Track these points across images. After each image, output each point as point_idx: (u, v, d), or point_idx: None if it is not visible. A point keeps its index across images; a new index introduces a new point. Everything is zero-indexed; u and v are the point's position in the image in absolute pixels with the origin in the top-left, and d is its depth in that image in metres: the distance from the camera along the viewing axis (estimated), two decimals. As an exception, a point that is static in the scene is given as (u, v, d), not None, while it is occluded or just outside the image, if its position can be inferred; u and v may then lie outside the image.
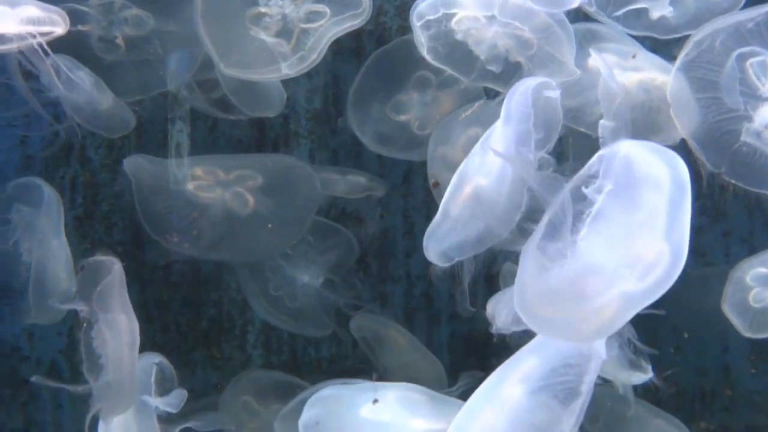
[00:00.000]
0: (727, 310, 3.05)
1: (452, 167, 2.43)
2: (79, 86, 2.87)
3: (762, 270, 3.02)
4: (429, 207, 2.46)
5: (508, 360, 2.22)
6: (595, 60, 2.21)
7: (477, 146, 2.30)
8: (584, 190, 1.98)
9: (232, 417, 3.19)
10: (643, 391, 3.12)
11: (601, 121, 2.23)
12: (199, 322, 3.63)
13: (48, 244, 3.15)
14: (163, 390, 2.73)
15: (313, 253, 3.39)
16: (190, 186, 3.03)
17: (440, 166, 2.85)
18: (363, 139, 3.25)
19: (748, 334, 3.06)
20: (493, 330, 2.40)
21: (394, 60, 3.12)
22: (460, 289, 2.46)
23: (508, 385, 2.12)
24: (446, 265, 2.34)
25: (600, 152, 2.04)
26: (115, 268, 2.69)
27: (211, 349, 3.63)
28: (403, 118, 3.15)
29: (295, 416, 2.80)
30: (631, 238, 1.92)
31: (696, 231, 3.23)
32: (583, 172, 2.02)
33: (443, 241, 2.32)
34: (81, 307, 2.68)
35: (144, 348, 3.55)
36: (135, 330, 2.70)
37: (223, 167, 3.10)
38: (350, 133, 3.27)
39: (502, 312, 2.32)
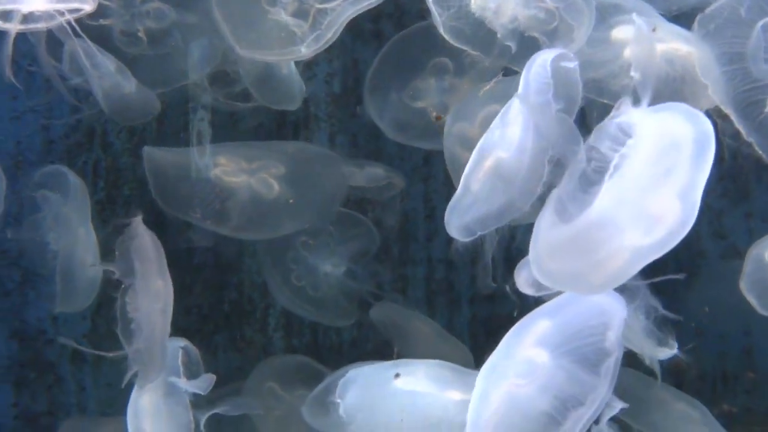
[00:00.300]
0: (745, 288, 3.02)
1: (469, 144, 2.43)
2: (102, 71, 2.88)
3: None
4: (450, 190, 2.45)
5: (516, 326, 2.22)
6: (637, 21, 2.17)
7: (496, 120, 2.29)
8: (602, 145, 1.99)
9: (258, 403, 3.20)
10: (665, 374, 3.13)
11: (631, 73, 2.21)
12: (221, 305, 3.65)
13: (75, 232, 3.17)
14: (190, 374, 2.74)
15: (335, 243, 3.39)
16: (216, 171, 3.04)
17: (457, 142, 2.83)
18: (381, 126, 3.25)
19: (766, 313, 3.04)
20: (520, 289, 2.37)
21: (411, 46, 3.11)
22: (482, 264, 2.45)
23: (526, 350, 2.12)
24: (468, 239, 2.33)
25: (620, 106, 2.04)
26: (149, 234, 2.70)
27: (233, 332, 3.66)
28: (420, 104, 3.14)
29: (321, 401, 2.81)
30: (644, 192, 1.92)
31: (717, 213, 3.24)
32: (603, 127, 2.03)
33: (465, 215, 2.31)
34: (116, 270, 2.70)
35: (166, 332, 3.60)
36: (168, 295, 2.71)
37: (246, 157, 3.10)
38: (369, 117, 3.27)
39: (522, 274, 2.31)
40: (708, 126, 1.98)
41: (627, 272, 1.96)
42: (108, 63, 2.92)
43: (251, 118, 3.50)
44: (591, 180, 2.00)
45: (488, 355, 3.29)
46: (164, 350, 2.71)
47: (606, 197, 1.95)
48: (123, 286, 2.69)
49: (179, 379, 2.69)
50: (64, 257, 3.17)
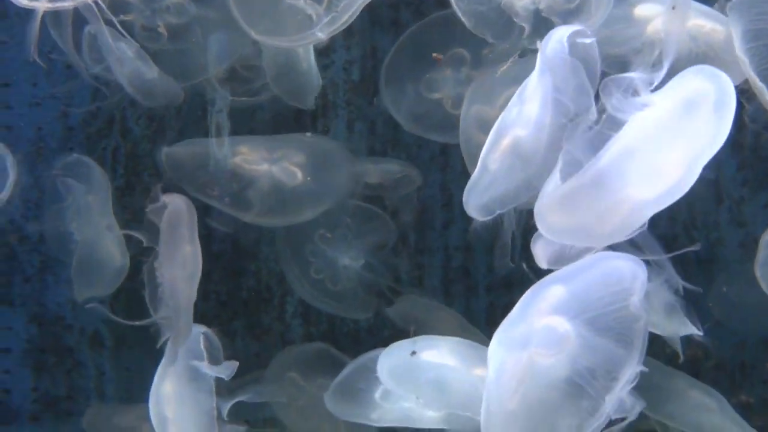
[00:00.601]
0: (760, 275, 3.01)
1: (486, 126, 2.42)
2: (122, 55, 2.90)
3: None
4: (467, 178, 2.45)
5: (530, 294, 2.12)
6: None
7: (514, 98, 2.28)
8: (616, 100, 1.98)
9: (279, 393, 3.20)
10: (682, 365, 3.12)
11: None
12: (239, 292, 3.66)
13: (98, 221, 3.19)
14: (211, 360, 2.74)
15: (352, 236, 3.40)
16: (237, 160, 3.04)
17: (473, 125, 2.83)
18: (397, 117, 3.25)
19: None
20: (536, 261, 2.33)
21: (428, 37, 3.10)
22: (500, 244, 2.45)
23: (545, 319, 2.03)
24: (487, 218, 2.32)
25: (638, 65, 2.03)
26: (180, 201, 2.73)
27: (251, 319, 3.67)
28: (436, 96, 3.13)
29: (345, 388, 2.81)
30: (656, 148, 1.91)
31: (737, 202, 3.22)
32: (617, 82, 2.01)
33: (483, 194, 2.31)
34: (143, 237, 2.72)
35: (185, 317, 3.61)
36: (197, 262, 2.73)
37: (268, 147, 3.11)
38: (386, 108, 3.27)
39: (538, 245, 2.28)
40: (729, 85, 1.96)
41: (626, 226, 1.96)
42: (126, 48, 2.94)
43: (269, 108, 3.51)
44: (602, 135, 1.99)
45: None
46: (190, 318, 2.72)
47: (616, 148, 1.93)
48: (154, 252, 2.71)
49: (202, 363, 2.69)
50: (87, 247, 3.19)
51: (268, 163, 3.08)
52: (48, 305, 3.60)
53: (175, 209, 2.70)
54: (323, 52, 3.50)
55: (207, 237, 3.43)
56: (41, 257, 3.58)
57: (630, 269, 2.02)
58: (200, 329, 2.80)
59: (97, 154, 3.60)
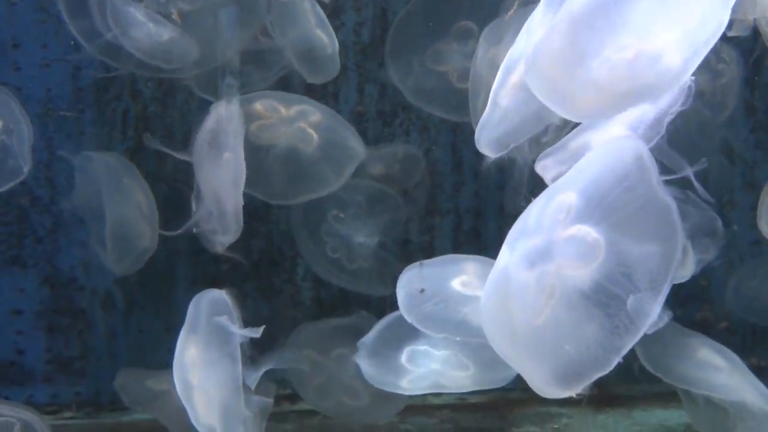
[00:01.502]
0: (765, 229, 2.98)
1: (496, 67, 2.39)
2: (134, 20, 2.89)
3: None
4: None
5: (540, 206, 1.93)
6: None
7: (521, 31, 2.25)
8: None
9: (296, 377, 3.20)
10: (692, 328, 3.12)
11: None
12: (250, 254, 3.67)
13: (133, 199, 3.22)
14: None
15: (365, 215, 3.39)
16: (253, 127, 3.02)
17: (488, 67, 2.79)
18: (402, 89, 3.23)
19: None
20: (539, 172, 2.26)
21: (436, 8, 3.07)
22: (512, 183, 2.41)
23: (566, 230, 1.84)
24: (499, 154, 2.29)
25: None
26: (231, 109, 2.73)
27: (261, 281, 3.68)
28: (442, 68, 3.10)
29: (371, 355, 2.81)
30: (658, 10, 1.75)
31: (750, 165, 3.20)
32: None
33: (496, 128, 2.28)
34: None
35: (196, 279, 3.63)
36: (240, 170, 2.73)
37: (284, 102, 3.08)
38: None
39: (541, 162, 2.24)
40: None
41: (640, 82, 1.79)
42: (136, 12, 2.93)
43: (279, 70, 3.50)
44: None
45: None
46: (239, 219, 2.73)
47: None
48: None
49: (230, 323, 2.59)
50: (120, 223, 3.20)
51: (285, 126, 3.05)
52: (60, 267, 3.61)
53: (224, 114, 2.70)
54: (333, 14, 3.46)
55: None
56: (53, 219, 3.58)
57: (631, 151, 1.83)
58: (219, 294, 2.76)
59: (107, 115, 3.60)
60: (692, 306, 3.67)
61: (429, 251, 3.68)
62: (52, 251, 3.60)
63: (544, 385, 1.86)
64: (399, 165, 3.44)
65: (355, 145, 3.10)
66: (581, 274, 1.79)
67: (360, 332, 3.06)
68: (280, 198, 3.18)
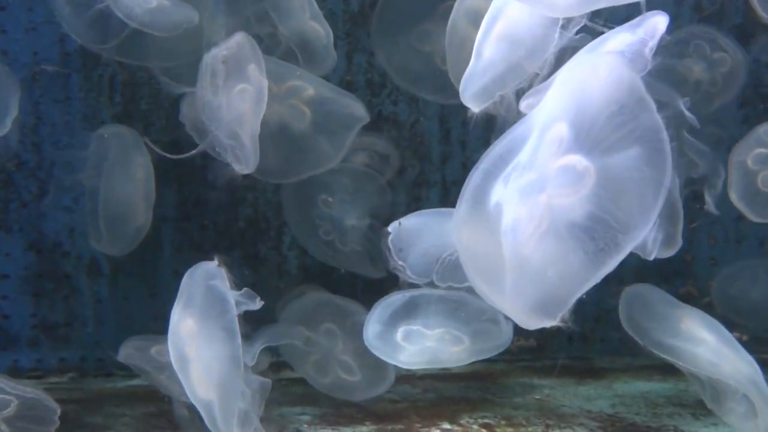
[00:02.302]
0: (735, 198, 2.97)
1: (476, 20, 2.39)
2: None
3: (763, 150, 2.96)
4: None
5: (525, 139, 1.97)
6: None
7: None
8: None
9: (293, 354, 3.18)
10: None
11: None
12: (236, 222, 3.67)
13: (131, 173, 3.21)
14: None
15: (352, 198, 3.38)
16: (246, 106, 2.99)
17: (464, 17, 2.79)
18: (389, 70, 3.21)
19: (759, 220, 3.02)
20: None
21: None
22: (496, 132, 2.40)
23: (557, 161, 1.87)
24: (484, 106, 2.29)
25: None
26: (243, 38, 2.71)
27: (247, 249, 3.68)
28: (427, 48, 3.09)
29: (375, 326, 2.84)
30: None
31: (737, 140, 3.20)
32: None
33: (481, 78, 2.28)
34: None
35: (182, 246, 3.63)
36: (262, 100, 2.72)
37: (275, 78, 3.04)
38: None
39: (526, 104, 2.24)
40: None
41: None
42: None
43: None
44: None
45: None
46: (257, 149, 2.70)
47: None
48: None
49: (229, 292, 2.52)
50: (115, 199, 3.19)
51: (277, 103, 3.02)
52: (46, 232, 3.60)
53: (239, 45, 2.68)
54: (323, -18, 3.46)
55: (203, 167, 3.43)
56: (38, 183, 3.57)
57: (617, 71, 1.83)
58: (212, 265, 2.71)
59: (93, 81, 3.57)
60: (676, 280, 3.70)
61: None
62: (37, 216, 3.59)
63: (525, 314, 1.91)
64: (377, 157, 3.43)
65: (354, 111, 3.06)
66: (571, 201, 1.82)
67: (340, 307, 3.08)
68: (280, 177, 3.15)
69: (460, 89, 2.34)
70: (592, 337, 3.73)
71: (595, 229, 1.80)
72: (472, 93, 2.32)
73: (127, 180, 3.21)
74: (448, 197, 3.70)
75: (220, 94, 2.71)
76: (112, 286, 3.63)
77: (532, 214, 1.87)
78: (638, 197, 1.78)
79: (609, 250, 1.79)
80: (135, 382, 3.42)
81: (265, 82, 2.73)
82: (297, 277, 3.69)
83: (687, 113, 2.15)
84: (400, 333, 2.80)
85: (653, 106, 1.78)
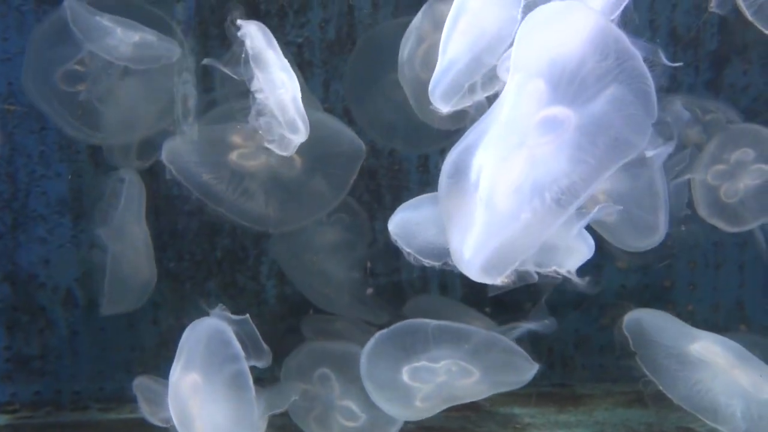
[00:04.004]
0: (705, 215, 3.04)
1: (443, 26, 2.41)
2: (102, 27, 2.88)
3: (720, 167, 3.06)
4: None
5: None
6: None
7: None
8: None
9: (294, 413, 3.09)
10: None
11: None
12: (213, 252, 3.64)
13: (128, 232, 3.19)
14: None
15: (340, 252, 3.40)
16: (233, 156, 2.98)
17: (431, 23, 2.79)
18: (371, 134, 3.23)
19: (735, 230, 3.07)
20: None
21: (386, 41, 3.05)
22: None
23: (539, 114, 1.90)
24: (452, 102, 2.28)
25: None
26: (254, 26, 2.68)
27: (225, 278, 3.66)
28: (399, 97, 3.09)
29: (375, 385, 2.81)
30: None
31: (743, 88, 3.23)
32: None
33: (447, 74, 2.28)
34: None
35: (159, 276, 3.59)
36: (292, 74, 2.70)
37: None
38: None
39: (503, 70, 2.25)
40: None
41: None
42: (102, 20, 2.93)
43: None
44: None
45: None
46: (305, 117, 2.68)
47: None
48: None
49: (238, 345, 2.46)
50: (115, 259, 3.17)
51: (265, 153, 3.00)
52: (21, 264, 3.57)
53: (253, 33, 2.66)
54: (300, 11, 3.45)
55: (179, 197, 3.41)
56: (13, 215, 3.54)
57: (586, 18, 1.85)
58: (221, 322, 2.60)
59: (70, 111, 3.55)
60: (656, 305, 3.69)
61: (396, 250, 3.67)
62: (12, 248, 3.55)
63: (479, 267, 1.97)
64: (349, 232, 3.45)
65: (347, 148, 3.05)
66: (550, 149, 1.85)
67: (332, 350, 3.04)
68: (279, 226, 3.10)
69: (429, 91, 2.34)
70: (572, 364, 3.72)
71: (573, 175, 1.84)
72: (441, 91, 2.31)
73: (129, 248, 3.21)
74: (427, 224, 3.69)
75: (260, 83, 2.68)
76: (88, 318, 3.59)
77: (511, 170, 1.90)
78: (621, 137, 1.82)
79: (576, 196, 1.84)
80: (111, 415, 3.39)
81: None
82: (275, 307, 3.67)
83: (665, 60, 2.15)
84: (406, 374, 2.77)
85: (637, 53, 1.82)
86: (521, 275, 2.22)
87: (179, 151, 2.95)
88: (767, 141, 3.06)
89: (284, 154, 2.73)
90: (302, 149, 2.97)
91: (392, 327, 2.77)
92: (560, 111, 1.86)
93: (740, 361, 2.65)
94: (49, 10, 3.43)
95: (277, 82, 2.67)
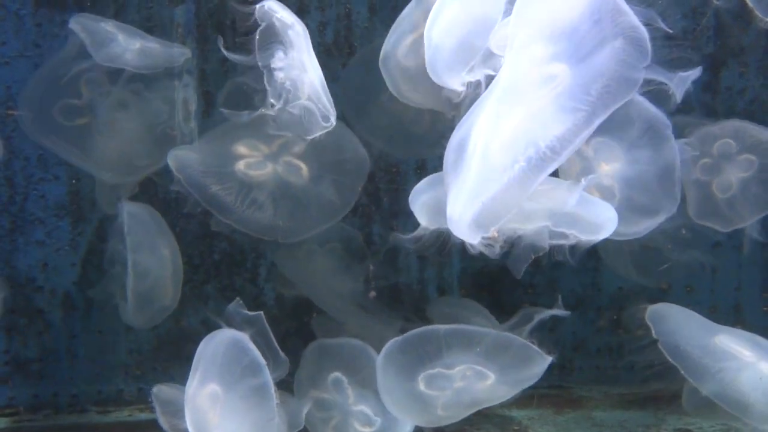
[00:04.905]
0: (697, 217, 3.07)
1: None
2: (106, 33, 2.90)
3: (705, 161, 3.08)
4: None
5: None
6: None
7: None
8: None
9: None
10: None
11: None
12: (211, 255, 3.64)
13: (158, 253, 3.22)
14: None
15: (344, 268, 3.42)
16: (241, 165, 2.98)
17: (423, 13, 2.80)
18: (360, 130, 3.23)
19: (727, 230, 3.07)
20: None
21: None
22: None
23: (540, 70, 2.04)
24: (455, 79, 2.31)
25: None
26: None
27: (223, 282, 3.66)
28: (398, 108, 3.09)
29: (395, 398, 2.81)
30: None
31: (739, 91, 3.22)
32: None
33: (439, 55, 2.31)
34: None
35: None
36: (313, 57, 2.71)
37: (263, 139, 3.00)
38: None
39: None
40: None
41: None
42: (105, 26, 2.96)
43: (241, 73, 3.48)
44: None
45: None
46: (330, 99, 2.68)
47: None
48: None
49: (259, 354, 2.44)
50: (143, 278, 3.18)
51: (272, 162, 3.03)
52: (19, 267, 3.57)
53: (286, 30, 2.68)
54: (297, 14, 3.45)
55: (176, 200, 3.41)
56: (11, 218, 3.54)
57: None
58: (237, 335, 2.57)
59: (68, 115, 3.56)
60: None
61: (392, 251, 3.68)
62: (10, 251, 3.55)
63: (470, 220, 2.06)
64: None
65: (352, 155, 3.06)
66: (546, 103, 1.96)
67: (341, 352, 3.02)
68: (289, 236, 3.09)
69: (429, 72, 2.37)
70: (570, 366, 3.72)
71: (567, 123, 1.94)
72: (440, 71, 2.34)
73: (153, 259, 3.21)
74: (424, 227, 3.69)
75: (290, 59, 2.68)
76: (86, 321, 3.59)
77: (506, 124, 2.02)
78: (614, 81, 1.93)
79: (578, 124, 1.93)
80: (109, 418, 3.38)
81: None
82: (274, 310, 3.66)
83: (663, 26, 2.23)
84: (422, 383, 2.76)
85: (629, 10, 1.95)
86: (531, 246, 2.27)
87: (187, 160, 2.95)
88: (746, 131, 3.08)
89: (309, 137, 2.72)
90: (308, 157, 2.98)
91: (402, 337, 2.77)
92: (558, 68, 1.97)
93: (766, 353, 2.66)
94: (47, 14, 3.45)
95: (306, 62, 2.68)
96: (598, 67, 1.93)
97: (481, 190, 2.02)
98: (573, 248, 2.33)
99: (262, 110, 2.71)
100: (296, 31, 2.67)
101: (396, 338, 2.77)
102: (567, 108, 1.93)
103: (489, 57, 2.29)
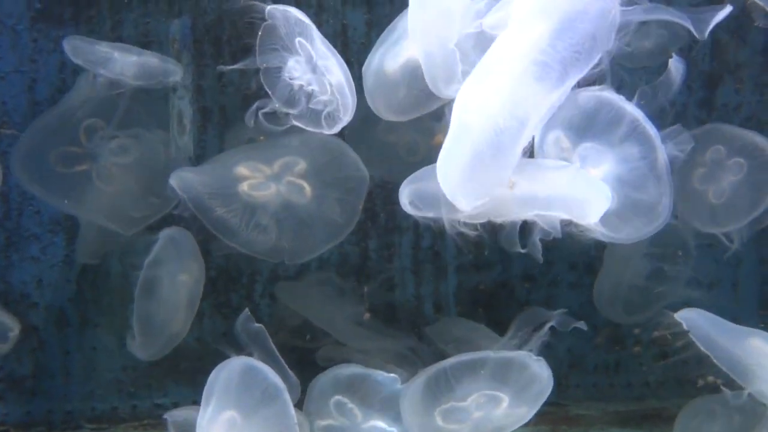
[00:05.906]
0: (686, 218, 3.11)
1: None
2: (102, 54, 2.92)
3: (700, 170, 3.12)
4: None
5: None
6: None
7: None
8: None
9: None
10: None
11: None
12: (207, 270, 3.63)
13: (174, 278, 3.22)
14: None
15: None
16: (244, 186, 2.98)
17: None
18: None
19: (724, 230, 3.09)
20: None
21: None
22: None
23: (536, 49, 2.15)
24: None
25: None
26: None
27: (219, 298, 3.64)
28: (392, 139, 3.10)
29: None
30: None
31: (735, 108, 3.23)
32: None
33: (393, 46, 2.47)
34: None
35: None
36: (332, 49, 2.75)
37: (264, 160, 3.01)
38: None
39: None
40: None
41: None
42: (100, 48, 2.98)
43: (239, 83, 3.48)
44: None
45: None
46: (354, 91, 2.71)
47: None
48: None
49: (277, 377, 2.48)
50: (155, 303, 3.19)
51: (274, 182, 3.02)
52: (13, 283, 3.56)
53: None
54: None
55: (170, 218, 3.41)
56: (6, 234, 3.53)
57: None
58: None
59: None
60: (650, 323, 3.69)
61: (388, 269, 3.67)
62: (4, 267, 3.54)
63: (458, 183, 2.19)
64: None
65: (351, 172, 3.04)
66: (524, 67, 2.10)
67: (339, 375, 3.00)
68: (295, 257, 3.10)
69: (430, 84, 2.50)
70: (566, 383, 3.71)
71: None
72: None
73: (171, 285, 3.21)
74: (419, 243, 3.68)
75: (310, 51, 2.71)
76: (80, 338, 3.58)
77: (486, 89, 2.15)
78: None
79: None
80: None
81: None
82: (269, 326, 3.64)
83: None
84: (438, 418, 2.75)
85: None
86: (543, 230, 2.31)
87: (191, 181, 2.94)
88: (732, 135, 3.12)
89: (329, 132, 2.73)
90: (310, 176, 2.98)
91: (414, 383, 2.77)
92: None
93: None
94: (44, 30, 3.45)
95: (324, 50, 2.71)
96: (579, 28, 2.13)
97: (465, 151, 2.14)
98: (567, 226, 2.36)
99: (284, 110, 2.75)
100: (306, 23, 2.70)
101: (409, 383, 2.79)
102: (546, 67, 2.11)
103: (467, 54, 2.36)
